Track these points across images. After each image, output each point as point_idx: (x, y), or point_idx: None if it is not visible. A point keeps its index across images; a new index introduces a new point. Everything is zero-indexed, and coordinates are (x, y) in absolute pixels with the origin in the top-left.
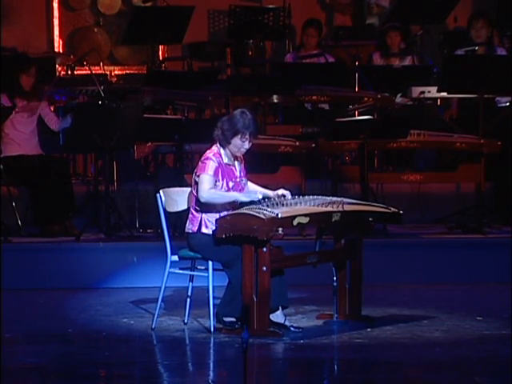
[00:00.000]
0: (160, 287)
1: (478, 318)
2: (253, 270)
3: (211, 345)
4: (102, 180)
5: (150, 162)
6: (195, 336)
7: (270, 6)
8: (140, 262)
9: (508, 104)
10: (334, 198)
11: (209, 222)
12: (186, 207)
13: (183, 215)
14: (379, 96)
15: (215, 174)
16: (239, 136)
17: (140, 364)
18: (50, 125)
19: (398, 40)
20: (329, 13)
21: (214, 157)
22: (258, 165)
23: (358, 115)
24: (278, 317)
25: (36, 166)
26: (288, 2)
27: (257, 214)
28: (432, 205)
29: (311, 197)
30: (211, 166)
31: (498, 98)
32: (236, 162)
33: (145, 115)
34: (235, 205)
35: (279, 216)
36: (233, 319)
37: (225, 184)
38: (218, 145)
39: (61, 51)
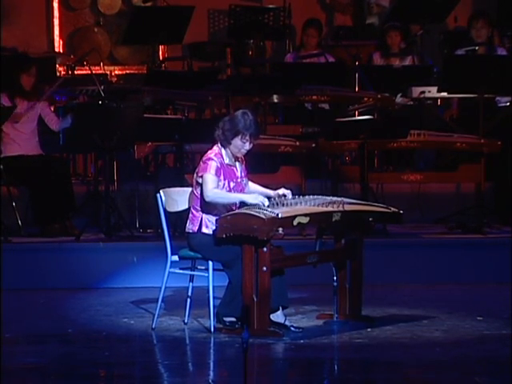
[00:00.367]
0: (160, 287)
1: (478, 318)
2: (253, 269)
3: (211, 345)
4: (102, 180)
5: (150, 162)
6: (195, 336)
7: (270, 6)
8: (140, 262)
9: (508, 104)
10: (334, 198)
11: (209, 221)
12: (186, 207)
13: (183, 215)
14: (379, 96)
15: (217, 174)
16: (240, 137)
17: (140, 364)
18: (50, 125)
19: (398, 40)
20: (329, 13)
21: (216, 157)
22: (258, 165)
23: (358, 115)
24: (278, 317)
25: (36, 166)
26: (288, 1)
27: (257, 214)
28: (432, 205)
29: (311, 197)
30: (213, 166)
31: (498, 98)
32: (237, 163)
33: (145, 115)
34: (236, 206)
35: (279, 216)
36: (233, 319)
37: (226, 184)
38: (219, 145)
39: (61, 51)
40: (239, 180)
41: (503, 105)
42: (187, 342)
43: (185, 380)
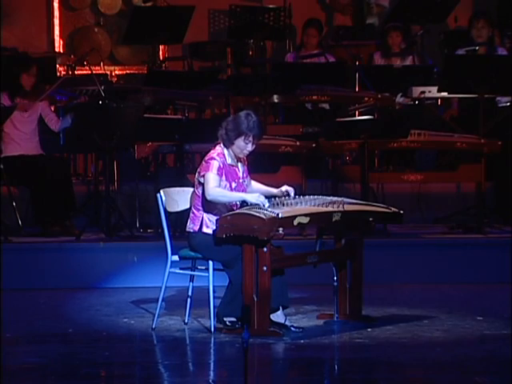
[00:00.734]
0: (160, 287)
1: (478, 318)
2: (253, 269)
3: (211, 345)
4: (103, 180)
5: (151, 162)
6: (196, 336)
7: (271, 6)
8: (140, 262)
9: (508, 104)
10: (335, 198)
11: (210, 221)
12: (186, 207)
13: (183, 215)
14: (380, 96)
15: (219, 173)
16: (243, 137)
17: (140, 364)
18: (51, 125)
19: (399, 40)
20: (329, 13)
21: (218, 157)
22: (258, 165)
23: (359, 115)
24: (278, 317)
25: (36, 165)
26: (288, 1)
27: (257, 214)
28: (432, 205)
29: (311, 197)
30: (215, 165)
31: (498, 98)
32: (239, 163)
33: (145, 115)
34: (237, 206)
35: (279, 216)
36: (233, 319)
37: (228, 184)
38: (222, 145)
39: (61, 51)
40: (241, 180)
41: (503, 105)
42: (187, 342)
43: (185, 380)
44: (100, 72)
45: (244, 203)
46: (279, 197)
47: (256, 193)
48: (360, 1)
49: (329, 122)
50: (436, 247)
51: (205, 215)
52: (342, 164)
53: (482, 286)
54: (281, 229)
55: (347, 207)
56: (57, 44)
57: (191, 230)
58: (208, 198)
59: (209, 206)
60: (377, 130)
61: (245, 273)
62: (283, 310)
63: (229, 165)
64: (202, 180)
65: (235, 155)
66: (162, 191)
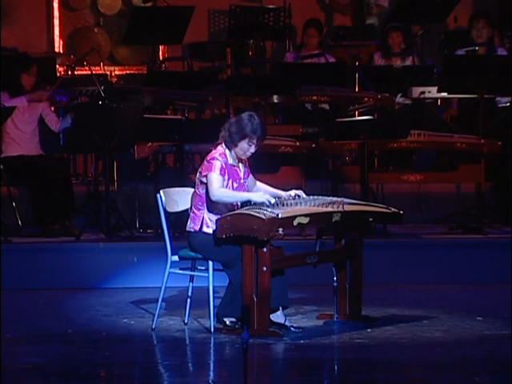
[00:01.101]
0: (160, 287)
1: (478, 318)
2: (253, 270)
3: (211, 345)
4: (103, 180)
5: (150, 162)
6: (195, 336)
7: (271, 6)
8: (140, 262)
9: (508, 104)
10: (335, 198)
11: (210, 221)
12: (186, 207)
13: (183, 215)
14: (379, 96)
15: (221, 173)
16: (247, 140)
17: (140, 364)
18: (51, 125)
19: (399, 40)
20: (329, 13)
21: (220, 157)
22: (258, 165)
23: (359, 115)
24: (278, 317)
25: (36, 166)
26: (288, 2)
27: (257, 215)
28: (432, 205)
29: (311, 197)
30: (218, 165)
31: (498, 98)
32: (240, 164)
33: (145, 115)
34: (237, 207)
35: (279, 216)
36: (233, 319)
37: (230, 184)
38: (224, 146)
39: (61, 51)
40: (242, 181)
41: (503, 105)
42: (187, 342)
43: (185, 380)
44: (100, 72)
45: (246, 203)
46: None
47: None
48: (360, 1)
49: (329, 123)
50: (436, 247)
51: (205, 215)
52: (342, 164)
53: (482, 286)
54: (281, 229)
55: (347, 207)
56: (57, 44)
57: (191, 230)
58: (213, 198)
59: (210, 205)
60: (377, 130)
61: (245, 273)
62: (283, 310)
63: (230, 165)
64: (203, 180)
65: (237, 156)
66: (161, 191)
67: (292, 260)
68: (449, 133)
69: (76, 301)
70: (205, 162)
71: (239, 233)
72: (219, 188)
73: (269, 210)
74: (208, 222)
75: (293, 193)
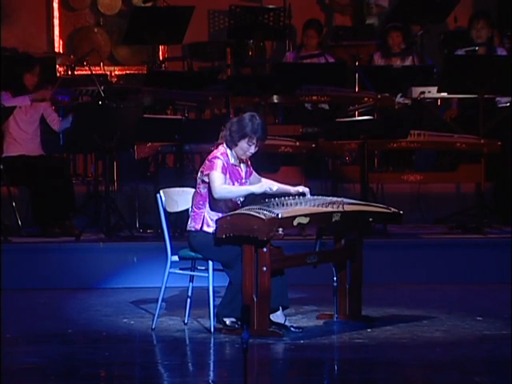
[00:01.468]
0: (160, 287)
1: (478, 318)
2: (253, 270)
3: (211, 345)
4: (103, 180)
5: (150, 162)
6: (195, 336)
7: (270, 6)
8: (140, 262)
9: (508, 104)
10: (334, 198)
11: (211, 220)
12: (186, 207)
13: (183, 215)
14: (379, 96)
15: (223, 172)
16: (246, 139)
17: (140, 364)
18: (53, 125)
19: (399, 40)
20: (329, 13)
21: (222, 156)
22: (258, 165)
23: (359, 115)
24: (278, 317)
25: (36, 166)
26: (288, 2)
27: (257, 215)
28: (432, 205)
29: (311, 197)
30: (219, 164)
31: (498, 98)
32: (242, 164)
33: (145, 115)
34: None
35: (279, 216)
36: (233, 319)
37: (231, 184)
38: (225, 145)
39: (61, 51)
40: (243, 181)
41: (503, 105)
42: (187, 342)
43: (185, 380)
44: (100, 72)
45: (245, 202)
46: (292, 195)
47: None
48: (360, 1)
49: (328, 123)
50: (436, 247)
51: (206, 214)
52: (342, 164)
53: (482, 286)
54: (281, 229)
55: (347, 207)
56: (56, 44)
57: (192, 229)
58: (215, 196)
59: (212, 204)
60: (376, 130)
61: (245, 273)
62: (283, 310)
63: (232, 165)
64: (205, 179)
65: (238, 156)
66: (161, 191)
67: (292, 260)
68: (449, 133)
69: (76, 301)
70: (206, 162)
71: (239, 233)
72: (221, 185)
73: (269, 209)
74: (209, 221)
75: (301, 189)
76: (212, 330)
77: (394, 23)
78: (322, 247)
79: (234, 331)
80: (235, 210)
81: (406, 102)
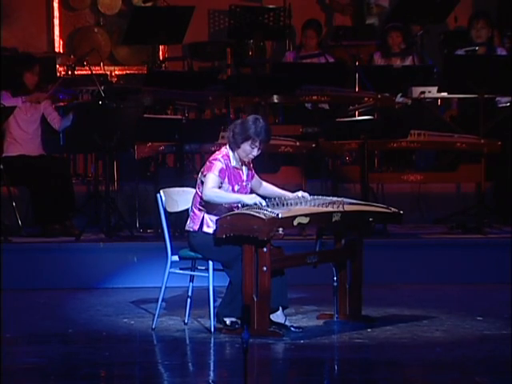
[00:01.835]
0: (160, 287)
1: (478, 318)
2: (253, 270)
3: (211, 345)
4: (103, 180)
5: (150, 162)
6: (195, 336)
7: (271, 6)
8: (140, 262)
9: (508, 104)
10: (335, 198)
11: (211, 221)
12: (186, 207)
13: (183, 215)
14: (379, 96)
15: (221, 175)
16: (249, 142)
17: (140, 364)
18: (53, 124)
19: (399, 40)
20: (329, 13)
21: (223, 158)
22: (258, 165)
23: (359, 115)
24: (278, 317)
25: (36, 166)
26: (288, 2)
27: (257, 214)
28: (432, 205)
29: (311, 197)
30: (218, 166)
31: (498, 98)
32: (243, 166)
33: (145, 115)
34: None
35: (279, 216)
36: (233, 319)
37: (230, 187)
38: (228, 147)
39: (61, 51)
40: (244, 183)
41: (503, 105)
42: (187, 342)
43: (185, 380)
44: (100, 72)
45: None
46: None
47: (267, 195)
48: (360, 1)
49: (329, 122)
50: (436, 247)
51: (206, 215)
52: (342, 164)
53: (482, 286)
54: (281, 229)
55: (347, 207)
56: (57, 44)
57: (191, 230)
58: (204, 198)
59: (210, 206)
60: (377, 130)
61: (245, 273)
62: (283, 310)
63: (233, 167)
64: (204, 180)
65: (240, 158)
66: (161, 191)
67: (292, 260)
68: (449, 133)
69: (76, 301)
70: (207, 162)
71: (239, 233)
72: (212, 188)
73: (269, 209)
74: (208, 222)
75: (300, 194)
76: (212, 329)
77: (393, 23)
78: (322, 247)
79: (234, 331)
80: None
81: (406, 101)
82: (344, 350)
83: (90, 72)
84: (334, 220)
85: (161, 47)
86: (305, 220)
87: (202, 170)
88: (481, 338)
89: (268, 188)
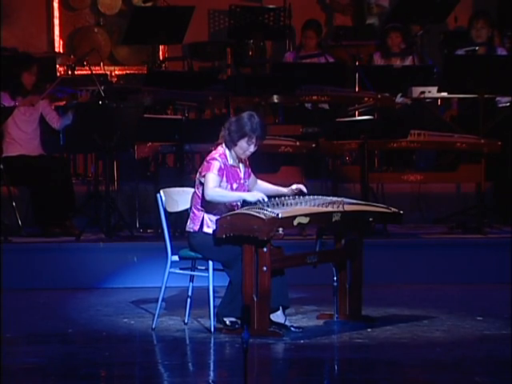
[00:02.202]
0: (160, 287)
1: (478, 318)
2: (253, 270)
3: (211, 345)
4: (103, 180)
5: (150, 162)
6: (195, 336)
7: (271, 6)
8: (140, 262)
9: (508, 104)
10: (335, 198)
11: (210, 221)
12: (186, 207)
13: (183, 215)
14: (379, 96)
15: (219, 174)
16: (246, 139)
17: (140, 364)
18: (52, 123)
19: (399, 40)
20: (329, 13)
21: (220, 157)
22: (258, 165)
23: (359, 115)
24: (278, 317)
25: (36, 166)
26: (288, 2)
27: (257, 214)
28: (432, 205)
29: (311, 197)
30: (216, 165)
31: (498, 98)
32: (240, 164)
33: (145, 115)
34: (238, 207)
35: (279, 216)
36: (233, 319)
37: (229, 186)
38: (224, 146)
39: (61, 51)
40: (242, 181)
41: (503, 105)
42: (187, 342)
43: (185, 380)
44: (100, 72)
45: (244, 203)
46: (288, 196)
47: (262, 192)
48: (360, 1)
49: (329, 122)
50: (436, 247)
51: (205, 215)
52: (342, 164)
53: (481, 285)
54: (281, 229)
55: (347, 207)
56: (57, 44)
57: (191, 230)
58: (207, 198)
59: (209, 206)
60: (377, 130)
61: (245, 273)
62: (283, 310)
63: (230, 165)
64: (203, 180)
65: (237, 156)
66: (161, 191)
67: (292, 260)
68: (449, 133)
69: (76, 301)
70: (204, 163)
71: (239, 233)
72: (214, 188)
73: (269, 209)
74: (208, 222)
75: (294, 186)
76: (212, 329)
77: (393, 24)
78: (322, 247)
79: (234, 331)
80: (234, 211)
81: (406, 101)
82: (344, 349)
83: (89, 72)
84: (334, 220)
85: (161, 47)
86: (305, 220)
87: (200, 170)
88: (481, 337)
89: (263, 185)
